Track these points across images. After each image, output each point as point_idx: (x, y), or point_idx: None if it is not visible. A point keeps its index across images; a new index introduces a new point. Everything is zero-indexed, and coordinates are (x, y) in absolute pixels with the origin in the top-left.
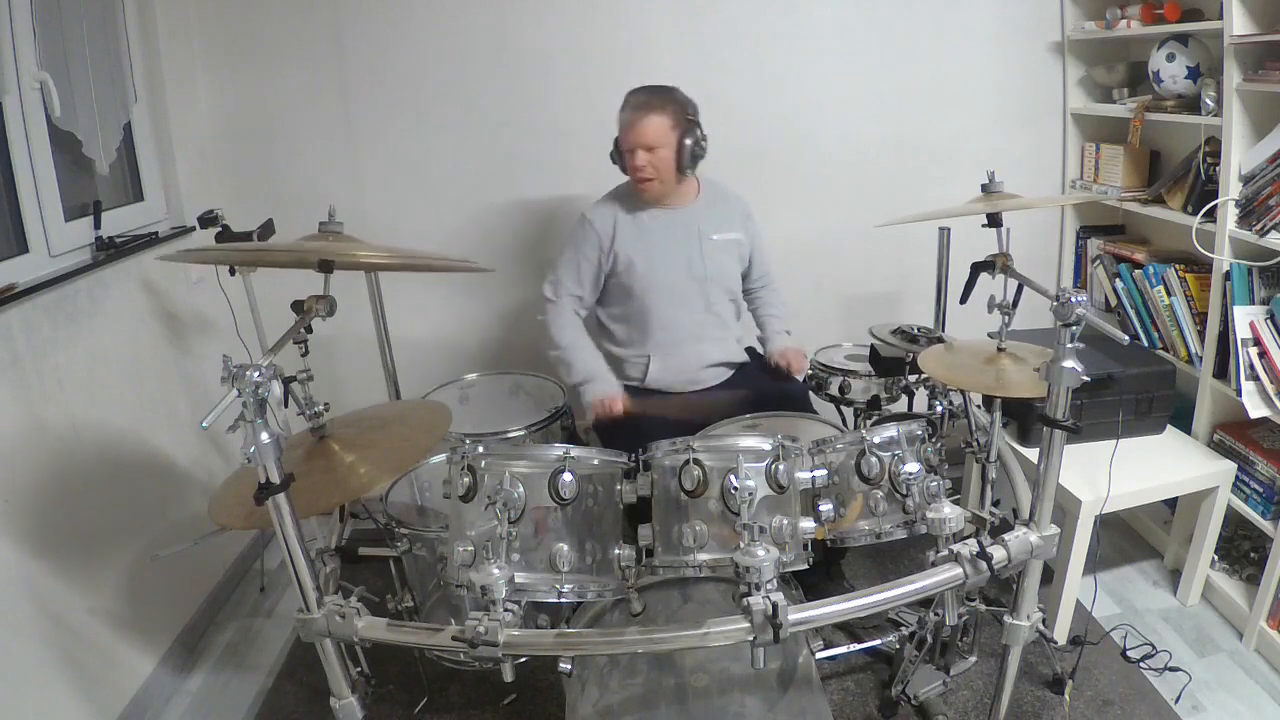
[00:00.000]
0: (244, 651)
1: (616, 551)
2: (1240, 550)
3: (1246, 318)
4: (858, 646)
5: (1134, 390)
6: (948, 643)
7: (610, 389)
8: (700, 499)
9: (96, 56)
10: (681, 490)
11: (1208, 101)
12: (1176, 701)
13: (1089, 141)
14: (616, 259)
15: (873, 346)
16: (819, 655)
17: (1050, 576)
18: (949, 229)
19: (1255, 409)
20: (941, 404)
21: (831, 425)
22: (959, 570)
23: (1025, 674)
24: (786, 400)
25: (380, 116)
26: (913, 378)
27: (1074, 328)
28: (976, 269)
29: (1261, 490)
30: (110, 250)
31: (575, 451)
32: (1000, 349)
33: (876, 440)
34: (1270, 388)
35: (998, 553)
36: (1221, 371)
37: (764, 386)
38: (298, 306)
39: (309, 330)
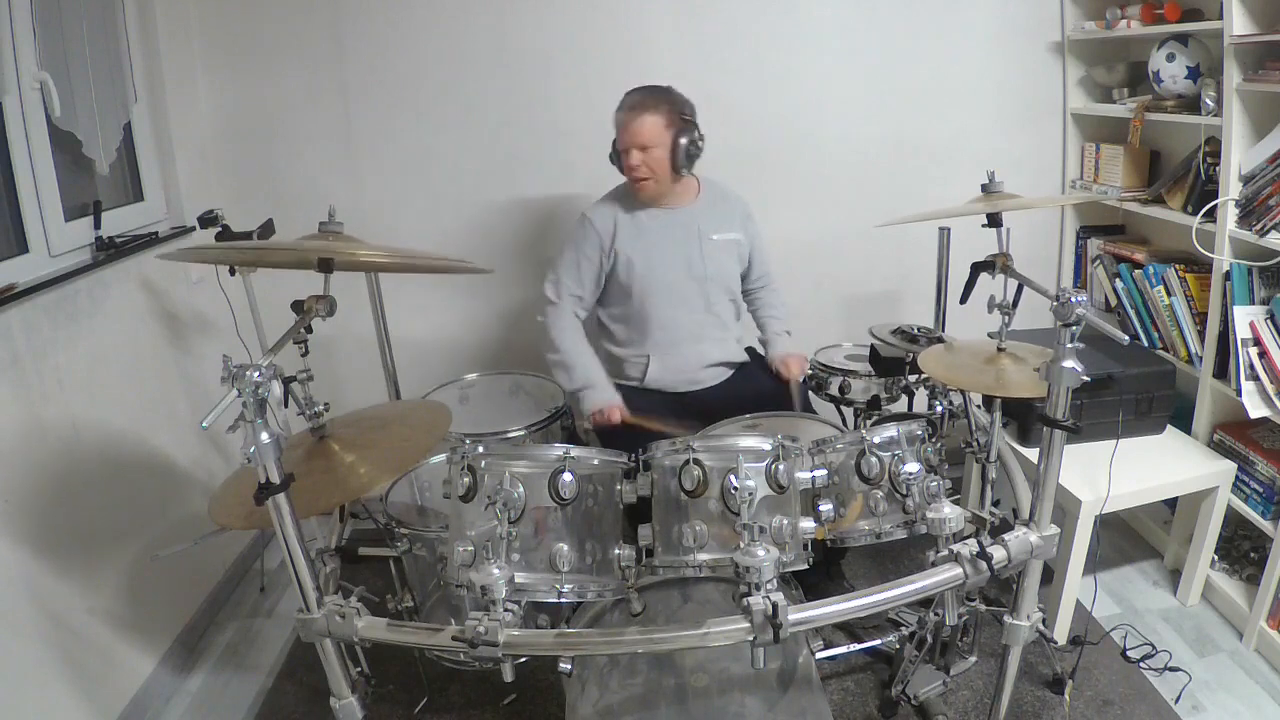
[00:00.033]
0: (244, 651)
1: (616, 551)
2: (1240, 550)
3: (1246, 318)
4: (858, 646)
5: (1134, 390)
6: (948, 643)
7: (608, 398)
8: (700, 499)
9: (96, 56)
10: (681, 490)
11: (1208, 101)
12: (1176, 701)
13: (1089, 141)
14: (617, 259)
15: (873, 346)
16: (819, 655)
17: (1050, 576)
18: (949, 229)
19: (1255, 409)
20: (941, 404)
21: (831, 425)
22: (959, 570)
23: (1025, 674)
24: (786, 403)
25: (380, 116)
26: (913, 378)
27: (1074, 328)
28: (976, 269)
29: (1261, 490)
30: (110, 250)
31: (575, 451)
32: (1000, 349)
33: (876, 440)
34: (1270, 388)
35: (998, 553)
36: (1221, 371)
37: (764, 387)
38: (298, 306)
39: (309, 330)
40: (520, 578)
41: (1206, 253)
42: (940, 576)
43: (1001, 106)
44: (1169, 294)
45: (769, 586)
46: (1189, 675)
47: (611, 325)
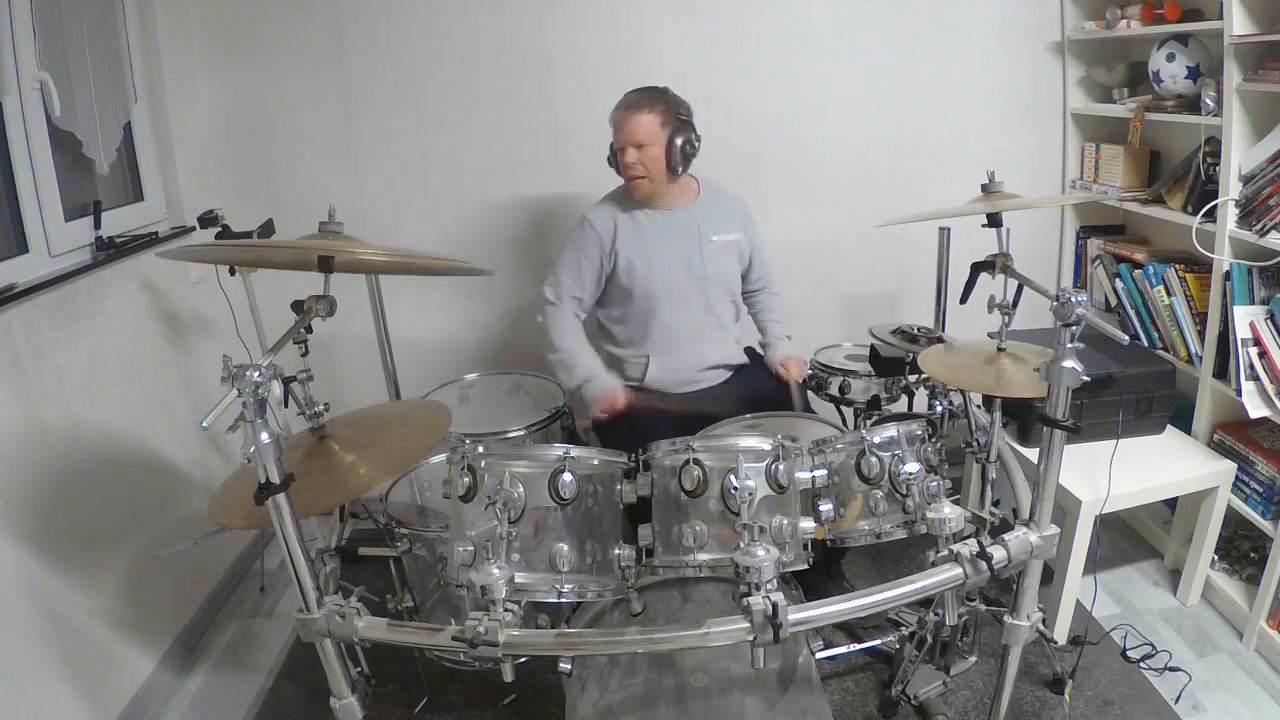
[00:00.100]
0: (244, 651)
1: (616, 551)
2: (1240, 550)
3: (1246, 318)
4: (858, 646)
5: (1134, 390)
6: (948, 643)
7: (610, 385)
8: (700, 499)
9: (96, 56)
10: (681, 490)
11: (1208, 101)
12: (1176, 701)
13: (1089, 141)
14: (617, 260)
15: (873, 346)
16: (819, 655)
17: (1050, 576)
18: (949, 229)
19: (1255, 409)
20: (941, 404)
21: (831, 425)
22: (959, 570)
23: (1025, 674)
24: (785, 402)
25: (380, 116)
26: (913, 378)
27: (1074, 328)
28: (976, 269)
29: (1261, 490)
30: (110, 250)
31: (575, 451)
32: (1000, 349)
33: (876, 440)
34: (1270, 388)
35: (998, 553)
36: (1221, 371)
37: (764, 387)
38: (298, 306)
39: (309, 330)
40: (520, 578)
41: (1206, 253)
42: (940, 576)
43: (1001, 106)
44: (1169, 294)
45: (769, 586)
46: (1189, 675)
47: (611, 326)
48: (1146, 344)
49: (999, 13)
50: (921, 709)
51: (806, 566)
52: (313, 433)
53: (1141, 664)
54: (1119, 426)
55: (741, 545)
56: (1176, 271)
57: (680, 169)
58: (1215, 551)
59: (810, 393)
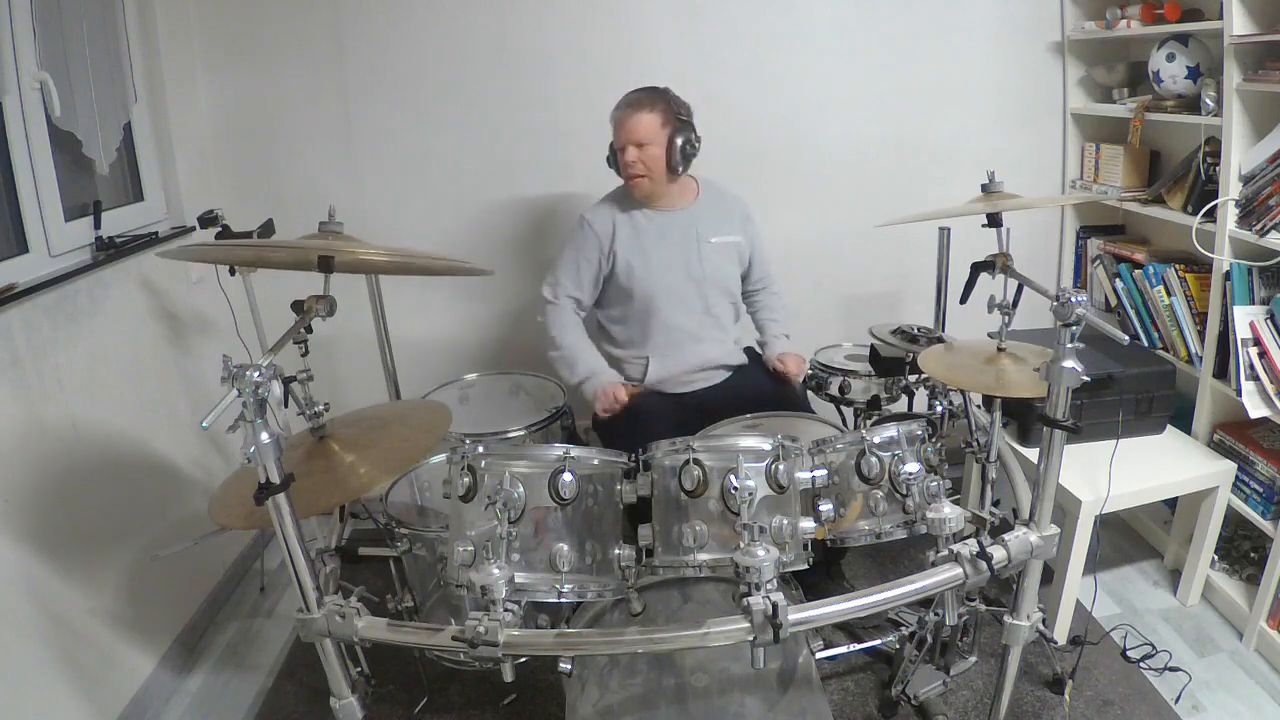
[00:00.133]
0: (244, 651)
1: (616, 551)
2: (1240, 550)
3: (1246, 318)
4: (858, 646)
5: (1134, 390)
6: (948, 643)
7: (611, 379)
8: (700, 499)
9: (96, 56)
10: (681, 490)
11: (1208, 101)
12: (1176, 701)
13: (1089, 141)
14: (615, 261)
15: (873, 346)
16: (819, 655)
17: (1050, 576)
18: (949, 229)
19: (1255, 409)
20: (941, 404)
21: (831, 425)
22: (959, 570)
23: (1025, 674)
24: (785, 402)
25: (380, 116)
26: (913, 378)
27: (1074, 328)
28: (976, 269)
29: (1261, 490)
30: (110, 250)
31: (575, 451)
32: (1000, 349)
33: (876, 440)
34: (1270, 388)
35: (998, 553)
36: (1221, 371)
37: (763, 387)
38: (298, 306)
39: (309, 330)
40: (520, 578)
41: (1206, 253)
42: (940, 576)
43: (1001, 106)
44: (1169, 294)
45: (769, 586)
46: (1189, 675)
47: (610, 327)
48: (1146, 344)
49: (999, 13)
50: (921, 709)
51: (806, 566)
52: (313, 433)
53: (1141, 664)
54: (1119, 426)
55: (741, 545)
56: (1176, 271)
57: (680, 169)
58: (1215, 551)
59: (810, 393)
